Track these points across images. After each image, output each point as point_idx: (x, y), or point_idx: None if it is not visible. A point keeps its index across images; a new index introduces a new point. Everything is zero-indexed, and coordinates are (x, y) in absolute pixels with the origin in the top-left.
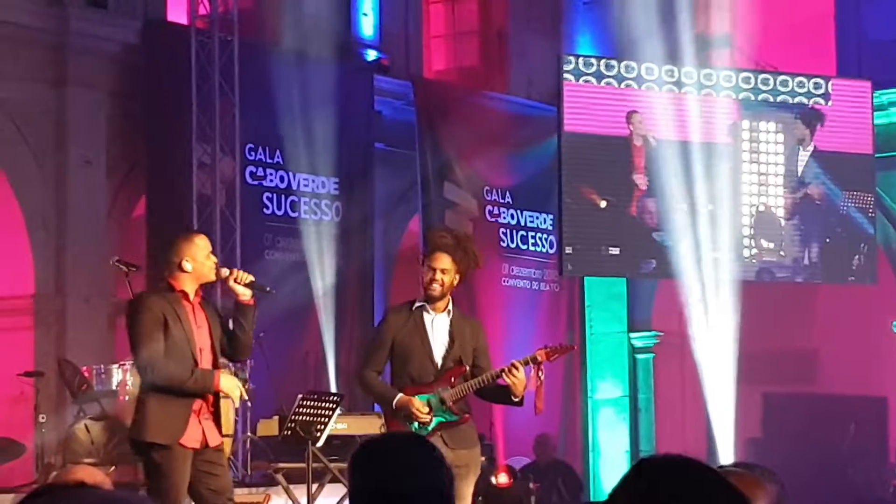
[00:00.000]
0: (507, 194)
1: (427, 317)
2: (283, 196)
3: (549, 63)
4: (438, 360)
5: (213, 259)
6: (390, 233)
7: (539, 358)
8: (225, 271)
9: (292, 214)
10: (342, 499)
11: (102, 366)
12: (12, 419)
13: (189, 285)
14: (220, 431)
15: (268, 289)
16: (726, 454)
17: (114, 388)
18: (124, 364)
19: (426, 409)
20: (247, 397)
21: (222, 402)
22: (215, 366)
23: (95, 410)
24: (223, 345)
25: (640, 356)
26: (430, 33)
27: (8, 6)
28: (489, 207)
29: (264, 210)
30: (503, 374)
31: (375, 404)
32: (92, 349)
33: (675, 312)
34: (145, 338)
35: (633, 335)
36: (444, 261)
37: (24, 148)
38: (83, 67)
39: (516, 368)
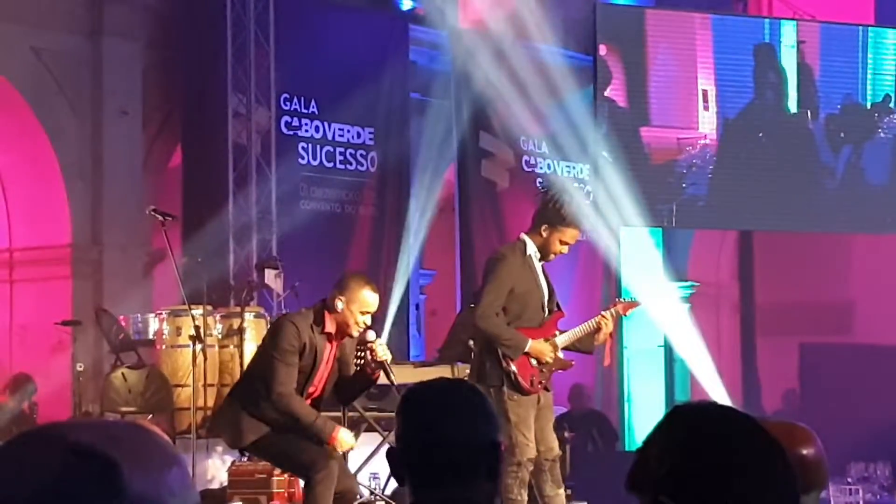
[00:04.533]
0: (544, 144)
1: (536, 264)
2: (318, 146)
3: (585, 11)
4: (546, 306)
5: (364, 321)
6: (426, 183)
7: (620, 311)
8: (371, 335)
9: (328, 164)
10: (378, 447)
11: (139, 315)
12: (51, 368)
13: (331, 325)
14: None
15: (392, 376)
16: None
17: (150, 337)
18: (161, 313)
19: (553, 353)
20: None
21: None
22: (318, 398)
23: (132, 359)
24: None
25: None
26: None
27: None
28: (526, 157)
29: (300, 160)
30: (600, 323)
31: (409, 355)
32: (129, 298)
33: (712, 263)
34: (283, 368)
35: None
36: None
37: (60, 98)
38: (119, 18)
39: (606, 319)
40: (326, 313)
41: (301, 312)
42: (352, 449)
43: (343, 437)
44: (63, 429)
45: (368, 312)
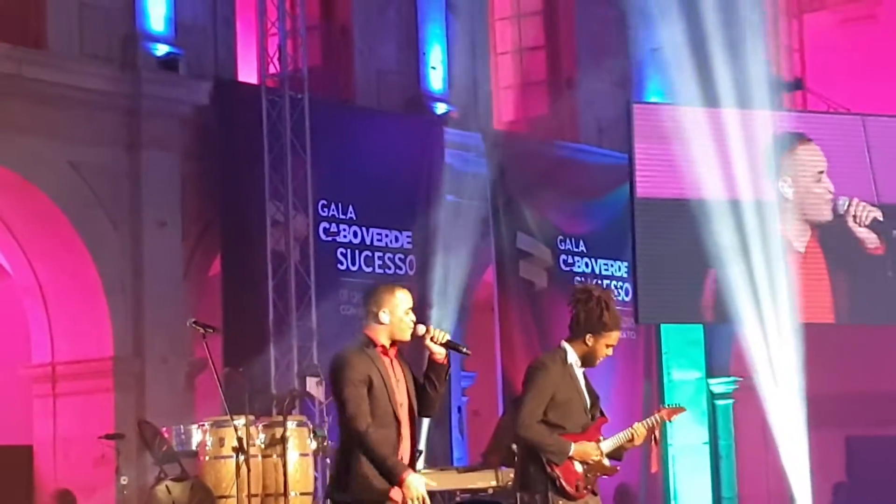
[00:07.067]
0: (581, 242)
1: (577, 372)
2: (356, 251)
3: (618, 110)
4: (588, 411)
5: (412, 317)
6: (464, 285)
7: (665, 417)
8: (421, 328)
9: (367, 269)
10: None
11: (182, 426)
12: (94, 481)
13: (384, 338)
14: None
15: (464, 349)
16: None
17: (194, 448)
18: (203, 424)
19: (598, 453)
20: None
21: (300, 459)
22: (413, 421)
23: (176, 471)
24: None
25: (719, 402)
26: (498, 84)
27: (82, 73)
28: (563, 256)
29: (339, 266)
30: (632, 434)
31: (453, 458)
32: (171, 410)
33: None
34: (352, 399)
35: (711, 381)
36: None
37: (99, 211)
38: (156, 130)
39: (636, 430)
40: (368, 332)
41: (347, 350)
42: (423, 499)
43: (412, 480)
44: None
45: (411, 309)
